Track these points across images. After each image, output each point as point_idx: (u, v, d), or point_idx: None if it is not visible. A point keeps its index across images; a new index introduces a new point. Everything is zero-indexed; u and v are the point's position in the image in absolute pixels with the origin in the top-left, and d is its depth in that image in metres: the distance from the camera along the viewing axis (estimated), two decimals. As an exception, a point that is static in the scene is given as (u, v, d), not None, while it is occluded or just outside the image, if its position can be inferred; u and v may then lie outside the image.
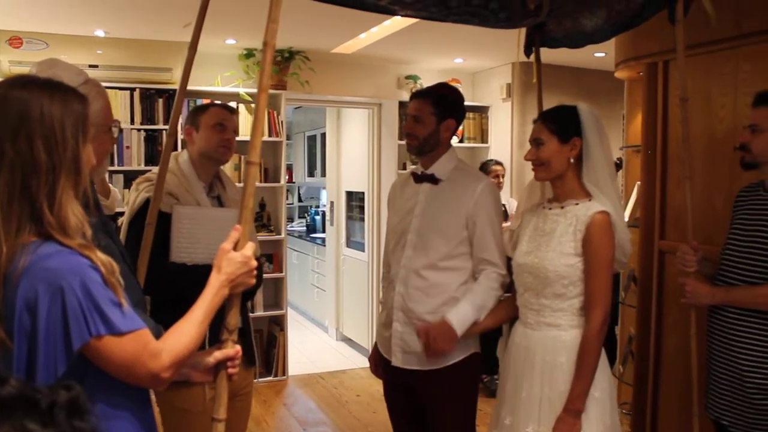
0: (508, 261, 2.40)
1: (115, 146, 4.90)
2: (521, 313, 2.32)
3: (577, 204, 2.20)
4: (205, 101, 5.01)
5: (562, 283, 2.16)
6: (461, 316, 2.38)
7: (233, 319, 1.55)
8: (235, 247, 1.50)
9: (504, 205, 5.30)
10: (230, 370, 1.56)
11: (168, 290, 2.19)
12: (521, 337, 2.29)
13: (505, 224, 2.95)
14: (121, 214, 3.39)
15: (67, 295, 1.21)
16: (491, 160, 5.66)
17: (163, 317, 1.53)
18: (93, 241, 1.31)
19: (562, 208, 2.23)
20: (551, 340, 2.19)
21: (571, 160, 2.22)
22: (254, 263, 1.52)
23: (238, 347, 1.57)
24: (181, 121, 3.86)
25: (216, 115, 2.50)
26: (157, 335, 1.36)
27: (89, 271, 1.25)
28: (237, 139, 2.57)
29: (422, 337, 2.37)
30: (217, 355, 1.55)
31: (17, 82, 1.31)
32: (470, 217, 2.43)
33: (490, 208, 2.45)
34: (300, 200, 9.78)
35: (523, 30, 2.99)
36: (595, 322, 2.11)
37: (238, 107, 5.24)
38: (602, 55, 4.98)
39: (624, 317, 3.88)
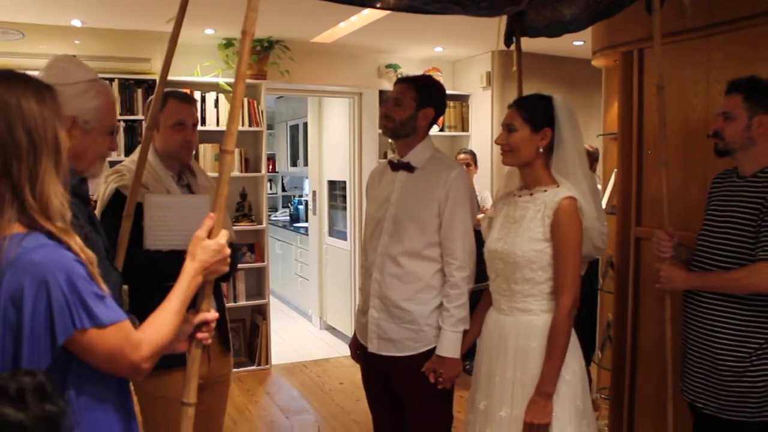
0: (481, 249, 2.43)
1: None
2: (494, 300, 2.35)
3: (545, 191, 2.23)
4: (185, 92, 4.97)
5: (531, 267, 2.19)
6: (448, 342, 2.42)
7: (206, 306, 1.56)
8: (210, 235, 1.51)
9: (477, 196, 5.33)
10: (203, 335, 1.55)
11: (144, 278, 2.19)
12: (494, 323, 2.32)
13: (482, 214, 2.99)
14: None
15: (52, 289, 1.21)
16: (462, 149, 5.68)
17: (141, 306, 1.54)
18: (74, 228, 1.31)
19: (531, 195, 2.27)
20: (523, 325, 2.22)
21: (540, 150, 2.25)
22: (228, 251, 1.53)
23: (215, 312, 1.58)
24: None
25: (174, 113, 2.40)
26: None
27: (74, 265, 1.25)
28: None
29: (431, 378, 2.43)
30: (191, 318, 1.53)
31: None
32: (442, 205, 2.45)
33: (462, 196, 2.46)
34: (284, 190, 9.76)
35: (503, 19, 3.00)
36: (564, 306, 2.15)
37: (218, 97, 5.22)
38: (581, 43, 5.01)
39: (602, 303, 3.93)
